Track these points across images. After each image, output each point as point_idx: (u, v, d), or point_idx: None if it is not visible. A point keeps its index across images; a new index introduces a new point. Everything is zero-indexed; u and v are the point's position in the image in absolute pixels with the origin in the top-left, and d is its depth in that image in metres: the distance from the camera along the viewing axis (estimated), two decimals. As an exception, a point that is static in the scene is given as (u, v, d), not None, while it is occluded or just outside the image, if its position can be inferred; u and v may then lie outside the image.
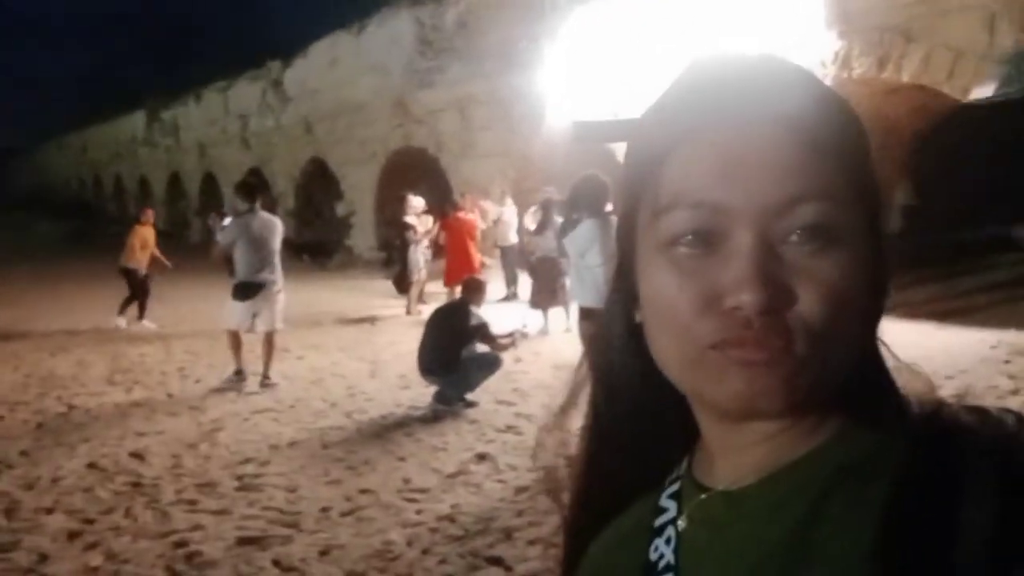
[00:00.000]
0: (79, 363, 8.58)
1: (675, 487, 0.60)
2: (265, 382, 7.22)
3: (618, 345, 0.61)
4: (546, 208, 9.52)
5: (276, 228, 7.39)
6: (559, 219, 7.86)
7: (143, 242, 10.96)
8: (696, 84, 0.54)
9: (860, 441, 0.52)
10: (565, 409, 0.66)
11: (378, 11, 18.50)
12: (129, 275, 10.81)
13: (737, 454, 0.55)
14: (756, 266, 0.48)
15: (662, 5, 11.43)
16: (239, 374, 7.29)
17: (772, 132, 0.50)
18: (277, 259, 7.34)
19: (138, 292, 10.83)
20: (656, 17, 11.49)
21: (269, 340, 7.29)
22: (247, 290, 7.19)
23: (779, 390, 0.49)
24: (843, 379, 0.51)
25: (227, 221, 10.36)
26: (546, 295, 9.19)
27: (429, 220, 11.82)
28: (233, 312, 7.34)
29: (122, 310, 10.78)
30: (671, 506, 0.59)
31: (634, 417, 0.62)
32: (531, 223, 10.10)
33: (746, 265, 0.48)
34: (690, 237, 0.50)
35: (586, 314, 5.51)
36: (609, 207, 5.45)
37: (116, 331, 10.42)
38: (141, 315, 10.80)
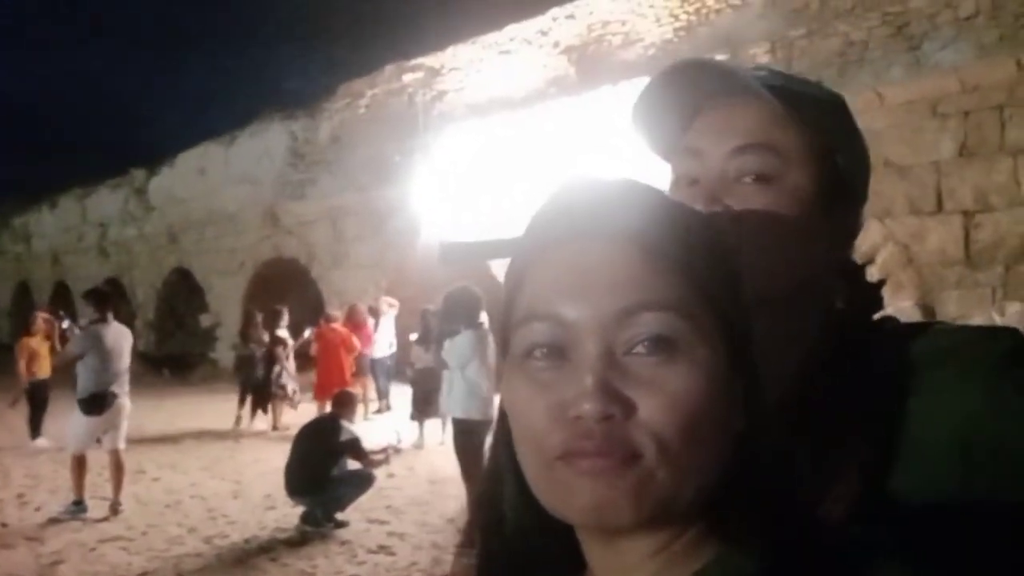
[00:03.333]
0: (-102, 492, 7.70)
1: None
2: (116, 507, 6.69)
3: (503, 467, 0.59)
4: (426, 319, 9.55)
5: (127, 339, 7.05)
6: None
7: (31, 353, 10.15)
8: (555, 204, 0.56)
9: (737, 569, 0.52)
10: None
11: (250, 123, 18.51)
12: (27, 390, 10.01)
13: None
14: (596, 376, 0.49)
15: (533, 124, 12.00)
16: (78, 504, 6.70)
17: (616, 247, 0.52)
18: (126, 372, 6.95)
19: (35, 407, 10.04)
20: (527, 136, 12.04)
21: (117, 459, 6.82)
22: (98, 403, 6.72)
23: (625, 501, 0.49)
24: (705, 494, 0.51)
25: (78, 328, 9.81)
26: (423, 406, 9.09)
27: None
28: (79, 429, 6.82)
29: (34, 432, 9.99)
30: None
31: (521, 542, 0.60)
32: (412, 335, 10.10)
33: (586, 375, 0.50)
34: (543, 350, 0.52)
35: (460, 426, 5.51)
36: (483, 318, 5.58)
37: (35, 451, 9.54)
38: (35, 432, 10.01)
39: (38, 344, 10.33)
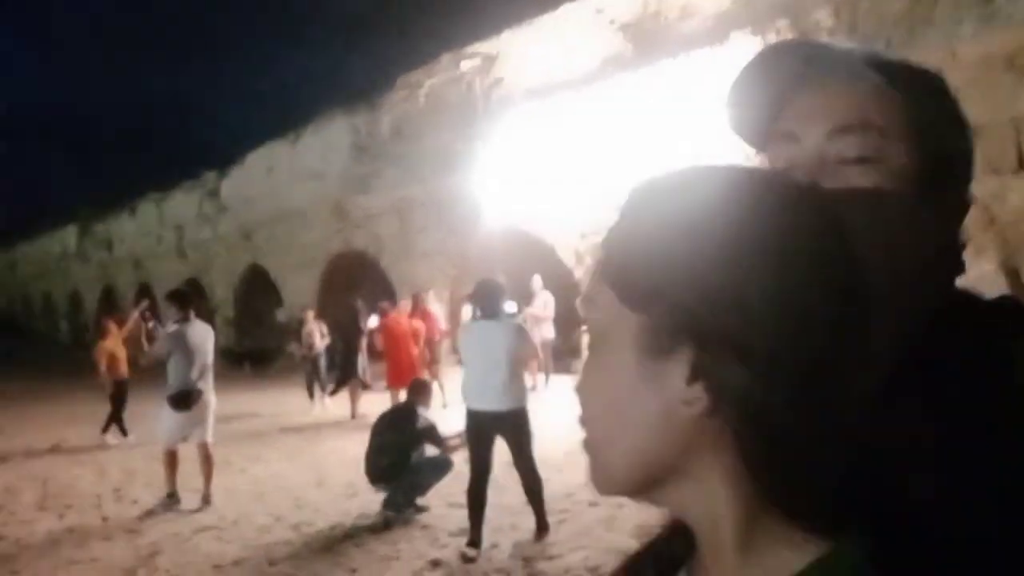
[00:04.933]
0: (7, 490, 8.14)
1: None
2: (207, 498, 6.96)
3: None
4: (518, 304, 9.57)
5: (210, 337, 7.30)
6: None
7: (110, 354, 10.65)
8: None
9: (851, 569, 0.52)
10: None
11: (313, 120, 18.84)
12: (108, 391, 10.52)
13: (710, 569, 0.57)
14: None
15: (592, 104, 11.91)
16: (171, 496, 7.00)
17: None
18: (210, 369, 7.21)
19: (116, 406, 10.53)
20: (586, 116, 11.96)
21: (205, 453, 7.08)
22: (185, 399, 7.00)
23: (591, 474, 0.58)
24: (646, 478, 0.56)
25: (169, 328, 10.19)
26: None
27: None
28: (169, 425, 7.12)
29: (106, 428, 10.48)
30: None
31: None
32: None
33: None
34: None
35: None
36: (510, 307, 5.58)
37: (56, 451, 10.01)
38: (122, 430, 10.50)
39: (115, 346, 10.81)
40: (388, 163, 16.47)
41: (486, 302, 5.52)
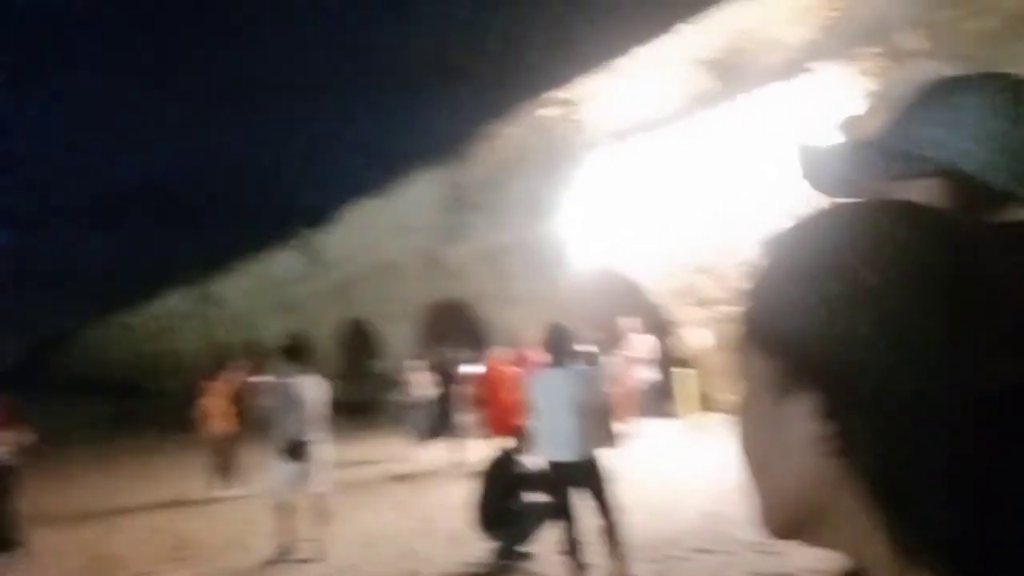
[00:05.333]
0: (137, 541, 8.60)
1: None
2: (320, 547, 7.18)
3: None
4: (608, 346, 9.52)
5: (320, 389, 7.48)
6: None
7: (215, 409, 11.20)
8: None
9: None
10: None
11: (404, 175, 19.46)
12: (209, 444, 11.06)
13: None
14: None
15: (675, 142, 11.94)
16: (286, 546, 7.24)
17: None
18: (321, 420, 7.40)
19: (224, 459, 11.02)
20: (671, 154, 11.99)
21: (319, 503, 7.30)
22: (295, 451, 7.23)
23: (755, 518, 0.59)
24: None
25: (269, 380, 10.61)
26: (604, 436, 9.09)
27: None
28: (279, 476, 7.36)
29: (223, 481, 10.97)
30: None
31: None
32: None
33: None
34: None
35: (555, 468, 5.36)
36: (588, 350, 5.31)
37: (175, 504, 10.51)
38: (225, 479, 10.96)
39: (216, 403, 11.32)
40: (477, 213, 16.83)
41: (553, 348, 5.38)
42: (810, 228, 0.57)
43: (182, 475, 12.04)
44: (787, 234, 0.58)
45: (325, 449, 7.39)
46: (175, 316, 36.66)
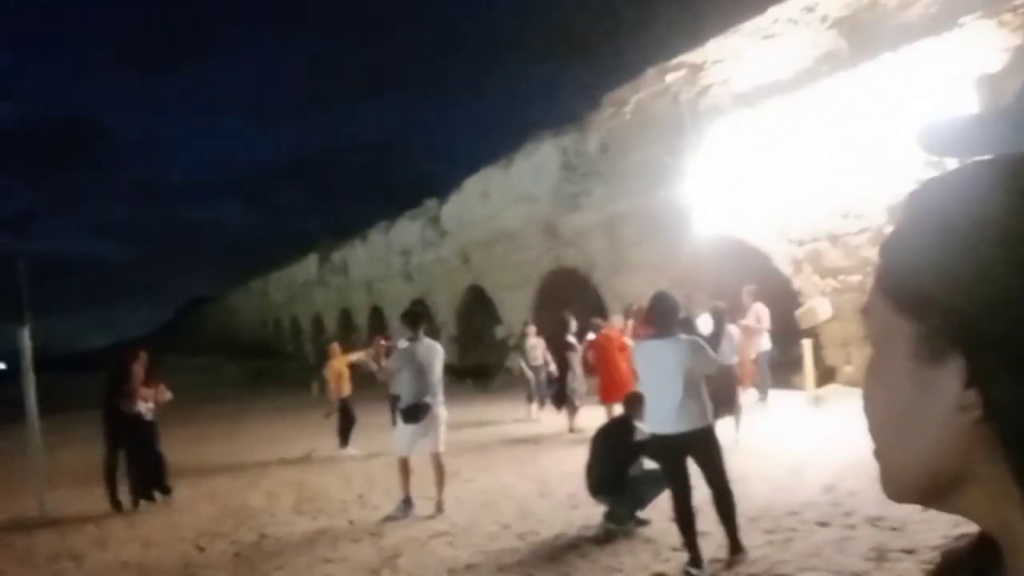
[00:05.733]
0: (268, 494, 9.14)
1: None
2: (440, 506, 7.41)
3: None
4: (718, 316, 9.36)
5: (438, 354, 7.66)
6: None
7: (337, 374, 11.72)
8: None
9: None
10: None
11: (524, 144, 19.52)
12: (336, 408, 11.55)
13: None
14: None
15: (805, 106, 11.44)
16: (406, 502, 7.49)
17: None
18: (439, 383, 7.59)
19: (345, 420, 11.49)
20: (800, 119, 11.50)
21: (437, 462, 7.50)
22: (415, 413, 7.49)
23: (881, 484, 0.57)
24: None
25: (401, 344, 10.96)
26: (717, 405, 8.93)
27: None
28: (401, 436, 7.65)
29: (344, 442, 11.44)
30: None
31: None
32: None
33: None
34: None
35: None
36: (703, 321, 5.21)
37: (302, 461, 11.06)
38: (344, 442, 11.42)
39: (341, 366, 11.76)
40: (597, 180, 16.70)
41: (659, 319, 5.27)
42: (954, 184, 0.54)
43: (308, 434, 12.64)
44: (929, 191, 0.55)
45: (442, 411, 7.58)
46: (306, 283, 38.34)
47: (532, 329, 13.80)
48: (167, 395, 9.31)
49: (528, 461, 9.61)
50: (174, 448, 9.77)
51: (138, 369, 9.07)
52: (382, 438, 10.34)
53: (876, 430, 0.57)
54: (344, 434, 11.49)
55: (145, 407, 8.95)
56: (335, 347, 12.37)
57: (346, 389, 11.66)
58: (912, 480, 0.55)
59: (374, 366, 10.73)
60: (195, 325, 78.35)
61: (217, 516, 8.29)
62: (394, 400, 10.64)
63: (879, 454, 0.57)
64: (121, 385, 8.92)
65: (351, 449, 11.28)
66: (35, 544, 7.74)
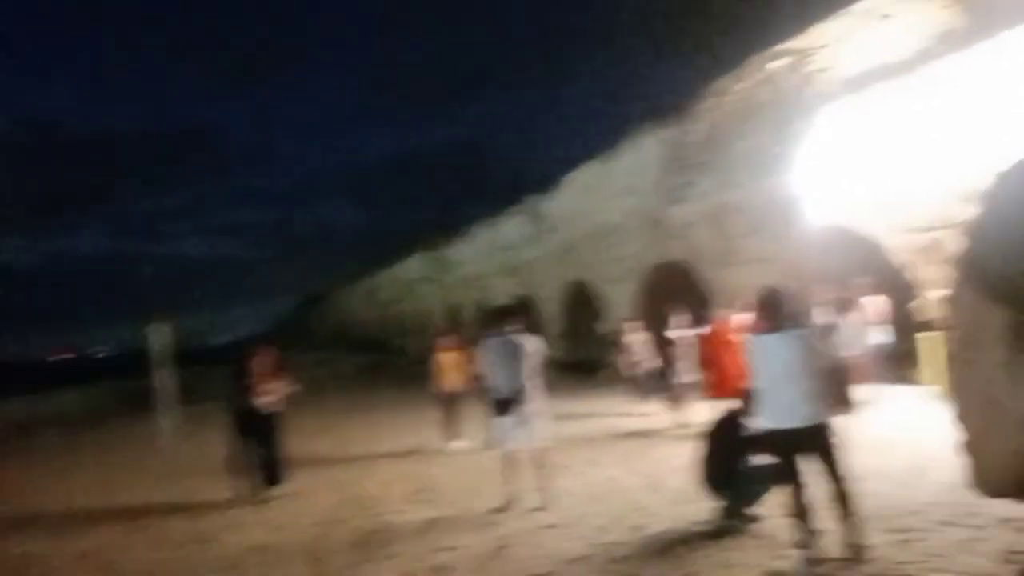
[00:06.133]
0: (384, 484, 9.47)
1: None
2: (543, 498, 7.49)
3: None
4: (833, 310, 9.11)
5: (531, 349, 7.68)
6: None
7: (442, 367, 11.99)
8: None
9: None
10: None
11: (625, 137, 19.39)
12: (440, 399, 11.83)
13: None
14: None
15: (917, 89, 10.96)
16: (512, 495, 7.60)
17: None
18: (535, 378, 7.62)
19: (450, 414, 11.77)
20: (912, 103, 11.02)
21: (535, 457, 7.58)
22: (505, 406, 7.57)
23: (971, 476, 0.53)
24: None
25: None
26: (840, 400, 8.66)
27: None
28: (499, 430, 7.79)
29: (449, 434, 11.73)
30: None
31: None
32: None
33: None
34: None
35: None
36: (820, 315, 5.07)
37: (416, 453, 11.38)
38: (451, 435, 11.70)
39: (447, 360, 11.98)
40: (701, 172, 16.44)
41: (769, 313, 5.23)
42: None
43: (422, 426, 12.97)
44: (1018, 177, 0.56)
45: (541, 405, 7.63)
46: (415, 279, 39.24)
47: (633, 325, 13.75)
48: (293, 388, 9.73)
49: (636, 455, 9.60)
50: (296, 439, 10.21)
51: (258, 365, 9.53)
52: (488, 432, 10.53)
53: (965, 421, 0.57)
54: (449, 427, 11.74)
55: (266, 401, 9.39)
56: (442, 341, 12.66)
57: (452, 382, 11.91)
58: (1004, 472, 0.55)
59: (472, 366, 10.96)
60: (311, 322, 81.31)
61: (337, 504, 8.65)
62: (489, 394, 10.85)
63: (969, 446, 0.57)
64: (242, 380, 9.41)
65: (458, 442, 11.52)
66: (169, 528, 8.28)
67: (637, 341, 13.31)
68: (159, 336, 9.58)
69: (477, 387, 11.16)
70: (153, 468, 10.60)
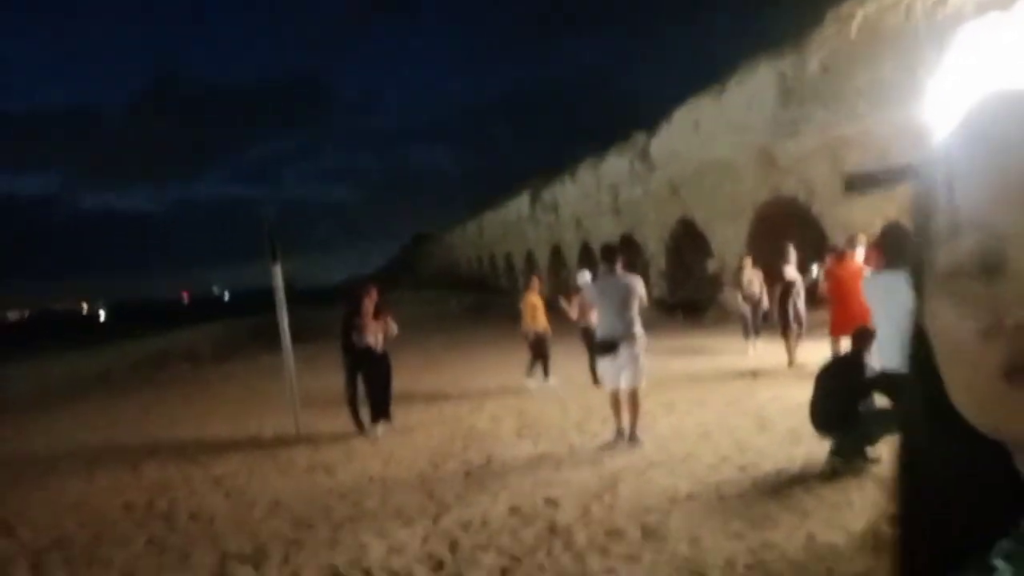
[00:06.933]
0: (492, 419, 9.69)
1: (1006, 545, 0.53)
2: (632, 439, 7.51)
3: (922, 397, 0.57)
4: None
5: (633, 289, 7.54)
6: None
7: (532, 307, 12.12)
8: (977, 122, 0.52)
9: None
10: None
11: (737, 70, 18.66)
12: (529, 339, 12.00)
13: None
14: None
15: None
16: (619, 432, 7.67)
17: None
18: (634, 318, 7.52)
19: (538, 354, 11.94)
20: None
21: (632, 397, 7.56)
22: (607, 347, 7.57)
23: None
24: None
25: (584, 278, 11.10)
26: None
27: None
28: (602, 370, 7.85)
29: (529, 372, 11.95)
30: (1002, 566, 0.52)
31: (950, 471, 0.56)
32: None
33: None
34: (974, 266, 0.47)
35: None
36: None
37: (522, 390, 11.58)
38: (545, 375, 11.87)
39: (537, 301, 12.07)
40: (818, 104, 15.69)
41: (890, 250, 5.01)
42: None
43: (522, 364, 13.15)
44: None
45: (638, 346, 7.55)
46: (519, 219, 39.40)
47: (748, 261, 13.43)
48: (394, 329, 10.02)
49: (745, 395, 9.47)
50: (407, 376, 10.55)
51: (368, 304, 9.84)
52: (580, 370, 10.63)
53: None
54: (537, 366, 11.89)
55: (374, 339, 9.70)
56: (534, 280, 12.70)
57: (541, 322, 12.01)
58: None
59: (568, 308, 11.02)
60: (419, 262, 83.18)
61: (447, 438, 8.92)
62: (585, 334, 10.86)
63: None
64: (354, 318, 9.73)
65: (543, 380, 11.69)
66: (294, 456, 8.75)
67: (749, 279, 13.00)
68: (278, 276, 9.98)
69: (580, 327, 11.25)
70: (276, 401, 11.15)
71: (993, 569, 0.52)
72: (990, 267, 0.46)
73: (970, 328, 0.47)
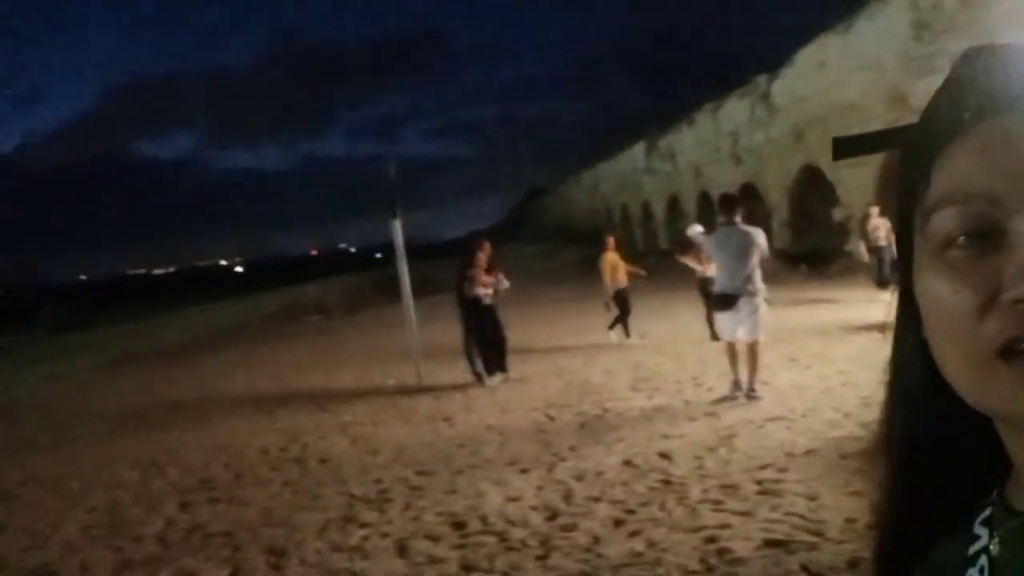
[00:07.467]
0: (607, 372, 9.74)
1: (987, 512, 0.54)
2: (751, 393, 7.39)
3: (909, 368, 0.57)
4: None
5: (753, 240, 7.37)
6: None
7: (612, 266, 12.06)
8: (965, 79, 0.50)
9: None
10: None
11: (867, 5, 17.58)
12: (614, 297, 12.02)
13: None
14: None
15: None
16: (736, 385, 7.57)
17: None
18: (754, 271, 7.37)
19: (622, 311, 11.95)
20: None
21: (751, 350, 7.43)
22: (725, 301, 7.45)
23: None
24: None
25: (695, 230, 10.90)
26: None
27: None
28: (721, 323, 7.75)
29: (612, 327, 12.06)
30: (983, 533, 0.53)
31: (935, 441, 0.56)
32: None
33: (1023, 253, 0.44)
34: (962, 237, 0.46)
35: None
36: None
37: (621, 346, 11.60)
38: (626, 331, 11.92)
39: (616, 258, 12.04)
40: (956, 38, 14.61)
41: None
42: None
43: (641, 318, 13.07)
44: None
45: (759, 299, 7.42)
46: (636, 169, 38.81)
47: (875, 210, 12.84)
48: (504, 283, 10.18)
49: (872, 349, 9.09)
50: (522, 328, 10.72)
51: (481, 257, 10.04)
52: (665, 324, 10.42)
53: None
54: (619, 322, 11.92)
55: (484, 292, 9.91)
56: (610, 240, 12.64)
57: (622, 279, 11.99)
58: None
59: (691, 263, 10.89)
60: (535, 215, 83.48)
61: (562, 390, 9.04)
62: (702, 285, 10.67)
63: None
64: (467, 271, 9.97)
65: (625, 337, 11.75)
66: (416, 406, 9.10)
67: (880, 227, 12.45)
68: (398, 231, 10.28)
69: (697, 278, 11.08)
70: (398, 352, 11.58)
71: (976, 537, 0.53)
72: (981, 239, 0.45)
73: (965, 302, 0.45)
